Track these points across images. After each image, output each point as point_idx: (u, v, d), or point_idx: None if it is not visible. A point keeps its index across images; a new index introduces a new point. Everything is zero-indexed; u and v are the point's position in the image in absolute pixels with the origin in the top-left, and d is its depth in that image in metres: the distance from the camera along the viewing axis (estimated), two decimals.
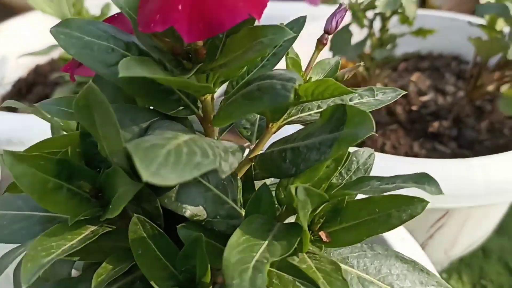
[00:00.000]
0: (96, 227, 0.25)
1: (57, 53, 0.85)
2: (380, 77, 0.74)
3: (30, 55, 0.76)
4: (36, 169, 0.24)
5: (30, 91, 0.84)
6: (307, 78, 0.30)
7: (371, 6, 0.67)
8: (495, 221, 0.73)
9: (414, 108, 0.75)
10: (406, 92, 0.32)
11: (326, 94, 0.26)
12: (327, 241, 0.28)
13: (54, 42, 0.78)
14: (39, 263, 0.22)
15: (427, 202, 0.26)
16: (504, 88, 0.67)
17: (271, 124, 0.29)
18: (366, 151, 0.33)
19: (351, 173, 0.32)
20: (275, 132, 0.30)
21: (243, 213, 0.28)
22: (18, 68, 0.87)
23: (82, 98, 0.22)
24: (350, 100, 0.31)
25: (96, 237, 0.25)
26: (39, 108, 0.28)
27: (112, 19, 0.27)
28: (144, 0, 0.23)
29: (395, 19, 0.70)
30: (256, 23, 0.24)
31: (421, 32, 0.70)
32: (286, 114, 0.29)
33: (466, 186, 0.54)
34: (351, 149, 0.32)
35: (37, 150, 0.25)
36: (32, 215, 0.29)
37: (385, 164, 0.55)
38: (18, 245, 0.28)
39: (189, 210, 0.26)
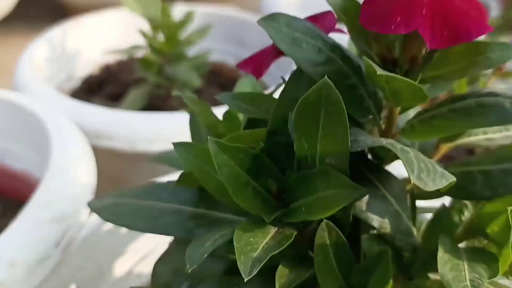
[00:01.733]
0: (282, 228, 0.24)
1: (125, 55, 0.85)
2: None
3: (114, 53, 0.76)
4: (235, 162, 0.24)
5: (100, 88, 0.85)
6: None
7: None
8: None
9: None
10: None
11: None
12: None
13: (129, 42, 0.78)
14: (250, 258, 0.21)
15: None
16: None
17: (442, 143, 0.28)
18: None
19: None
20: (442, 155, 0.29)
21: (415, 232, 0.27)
22: (89, 64, 0.88)
23: (314, 92, 0.21)
24: None
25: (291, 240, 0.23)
26: (219, 99, 0.28)
27: (312, 19, 0.27)
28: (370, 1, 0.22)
29: None
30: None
31: None
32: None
33: None
34: None
35: (232, 142, 0.25)
36: (181, 210, 0.29)
37: None
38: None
39: (376, 221, 0.25)
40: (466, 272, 0.22)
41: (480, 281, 0.21)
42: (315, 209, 0.23)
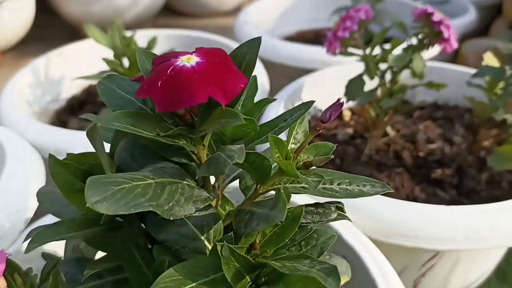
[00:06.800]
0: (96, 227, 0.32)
1: None
2: (390, 122, 0.78)
3: (83, 78, 0.83)
4: (69, 172, 0.31)
5: (81, 108, 0.93)
6: (297, 157, 0.31)
7: (383, 59, 0.71)
8: (489, 266, 0.74)
9: (421, 154, 0.78)
10: (393, 191, 0.33)
11: (291, 173, 0.29)
12: None
13: (106, 68, 0.86)
14: (43, 240, 0.29)
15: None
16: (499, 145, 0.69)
17: (259, 186, 0.33)
18: (329, 231, 0.35)
19: (308, 247, 0.34)
20: (263, 193, 0.33)
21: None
22: (73, 87, 0.97)
23: (90, 131, 0.30)
24: (338, 184, 0.32)
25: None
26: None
27: (141, 78, 0.33)
28: (152, 71, 0.30)
29: (407, 71, 0.73)
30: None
31: (432, 85, 0.73)
32: (274, 181, 0.32)
33: (449, 230, 0.56)
34: (318, 226, 0.34)
35: (77, 159, 0.32)
36: None
37: (379, 205, 0.58)
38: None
39: (162, 237, 0.31)
40: None
41: None
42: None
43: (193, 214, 0.28)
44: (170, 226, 0.31)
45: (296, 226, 0.30)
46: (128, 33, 0.86)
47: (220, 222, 0.33)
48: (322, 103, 0.34)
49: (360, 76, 0.74)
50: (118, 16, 1.39)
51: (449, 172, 0.73)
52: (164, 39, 1.01)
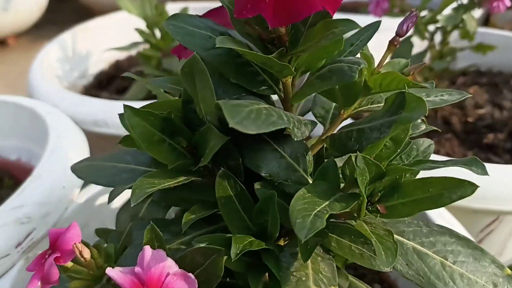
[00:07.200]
0: (189, 176, 0.29)
1: (135, 50, 0.92)
2: (438, 87, 0.75)
3: (114, 50, 0.82)
4: (147, 123, 0.29)
5: (110, 83, 0.91)
6: (378, 72, 0.31)
7: (433, 20, 0.68)
8: None
9: (470, 119, 0.74)
10: (471, 95, 0.33)
11: (392, 86, 0.29)
12: (384, 212, 0.29)
13: (134, 40, 0.85)
14: (144, 191, 0.26)
15: (477, 186, 0.27)
16: None
17: (343, 111, 0.32)
18: (426, 141, 0.34)
19: (410, 159, 0.33)
20: (346, 119, 0.32)
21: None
22: (100, 62, 0.95)
23: (187, 65, 0.26)
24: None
25: (188, 184, 0.29)
26: (152, 83, 0.33)
27: (210, 13, 0.31)
28: None
29: (456, 33, 0.70)
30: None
31: (481, 48, 0.69)
32: (357, 103, 0.31)
33: None
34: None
35: (149, 109, 0.30)
36: (136, 169, 0.34)
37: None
38: None
39: (264, 171, 0.29)
40: (321, 206, 0.26)
41: (325, 212, 0.25)
42: (207, 155, 0.28)
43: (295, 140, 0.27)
44: (270, 160, 0.29)
45: (407, 133, 0.29)
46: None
47: (310, 152, 0.31)
48: None
49: (407, 39, 0.71)
50: None
51: (502, 136, 0.70)
52: (193, 11, 0.98)
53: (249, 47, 0.29)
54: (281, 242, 0.33)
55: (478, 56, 0.78)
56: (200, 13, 0.32)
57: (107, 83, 0.91)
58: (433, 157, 0.57)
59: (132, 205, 0.25)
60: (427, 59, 0.73)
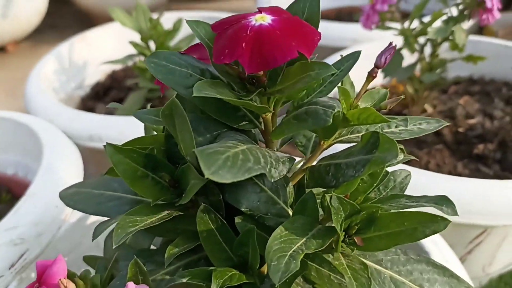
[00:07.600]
0: (172, 210, 0.30)
1: (131, 62, 0.92)
2: (428, 98, 0.75)
3: (110, 63, 0.82)
4: (129, 160, 0.29)
5: (106, 94, 0.92)
6: (356, 105, 0.31)
7: (423, 32, 0.68)
8: None
9: (460, 130, 0.75)
10: (449, 124, 0.34)
11: (369, 120, 0.30)
12: (361, 245, 0.30)
13: (130, 52, 0.86)
14: (126, 231, 0.27)
15: (449, 222, 0.28)
16: None
17: (323, 141, 0.32)
18: (403, 172, 0.35)
19: (388, 190, 0.34)
20: (326, 149, 0.33)
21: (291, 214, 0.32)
22: (97, 73, 0.96)
23: (167, 108, 0.27)
24: (396, 126, 0.32)
25: (171, 217, 0.29)
26: (135, 117, 0.34)
27: (191, 48, 0.32)
28: (218, 37, 0.27)
29: (446, 45, 0.70)
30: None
31: (471, 59, 0.70)
32: (337, 133, 0.32)
33: (502, 205, 0.54)
34: (390, 169, 0.34)
35: (131, 145, 0.31)
36: (123, 197, 0.35)
37: (427, 181, 0.56)
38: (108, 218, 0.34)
39: (245, 205, 0.30)
40: (297, 245, 0.26)
41: (300, 252, 0.26)
42: (188, 194, 0.29)
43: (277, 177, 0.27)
44: (250, 194, 0.30)
45: (383, 169, 0.29)
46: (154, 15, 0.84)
47: (290, 183, 0.32)
48: (355, 83, 0.33)
49: (397, 51, 0.71)
50: (132, 2, 1.36)
51: (492, 147, 0.71)
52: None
53: (229, 84, 0.29)
54: (264, 269, 0.33)
55: (470, 65, 0.78)
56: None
57: (103, 94, 0.92)
58: (423, 171, 0.58)
59: (113, 247, 0.26)
60: (417, 70, 0.74)
